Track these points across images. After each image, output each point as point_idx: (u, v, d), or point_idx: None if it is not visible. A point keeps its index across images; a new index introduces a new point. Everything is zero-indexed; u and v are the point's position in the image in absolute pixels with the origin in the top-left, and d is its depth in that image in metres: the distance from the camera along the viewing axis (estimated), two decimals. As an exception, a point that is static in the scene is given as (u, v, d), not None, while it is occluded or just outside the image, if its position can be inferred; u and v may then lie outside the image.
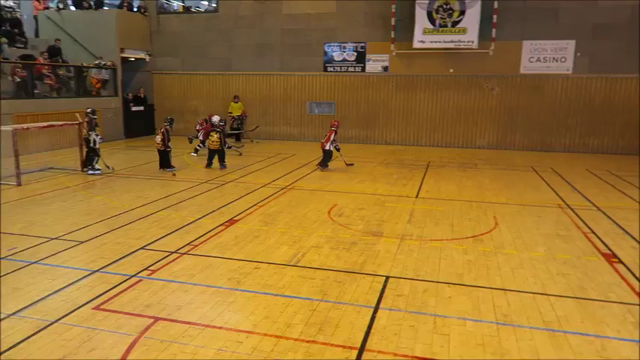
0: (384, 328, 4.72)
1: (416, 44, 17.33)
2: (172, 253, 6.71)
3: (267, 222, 8.25)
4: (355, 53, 18.60)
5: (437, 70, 17.83)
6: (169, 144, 12.57)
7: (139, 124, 20.07)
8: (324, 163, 13.05)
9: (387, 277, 5.94)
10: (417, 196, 10.29)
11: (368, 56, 18.49)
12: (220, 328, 4.71)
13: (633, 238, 7.56)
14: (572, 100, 16.84)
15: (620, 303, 5.31)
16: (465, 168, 13.75)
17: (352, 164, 13.55)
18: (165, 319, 4.86)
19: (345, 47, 18.70)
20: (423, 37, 17.27)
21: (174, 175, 12.08)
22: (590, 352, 4.36)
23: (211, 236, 7.46)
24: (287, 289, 5.58)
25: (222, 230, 7.76)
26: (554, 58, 16.74)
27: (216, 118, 13.52)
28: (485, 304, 5.26)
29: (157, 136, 12.61)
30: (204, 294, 5.45)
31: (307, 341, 4.47)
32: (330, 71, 18.94)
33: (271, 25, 19.14)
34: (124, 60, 19.50)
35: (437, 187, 11.17)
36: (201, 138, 15.31)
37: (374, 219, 8.49)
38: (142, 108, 20.22)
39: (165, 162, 12.61)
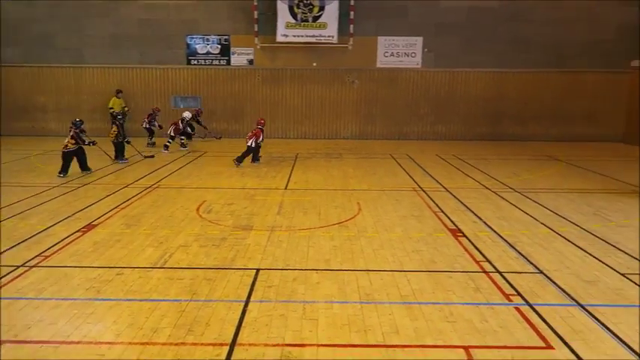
0: (255, 320, 4.77)
1: (279, 38, 17.55)
2: (19, 267, 6.01)
3: (130, 224, 7.78)
4: (219, 46, 18.25)
5: (301, 63, 18.26)
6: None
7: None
8: (241, 159, 12.85)
9: (258, 270, 5.99)
10: (286, 188, 10.49)
11: (232, 49, 18.25)
12: (78, 342, 4.36)
13: (474, 213, 8.56)
14: (422, 92, 18.44)
15: (463, 272, 6.00)
16: (331, 158, 14.34)
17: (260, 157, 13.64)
18: (11, 342, 4.36)
19: (208, 40, 18.23)
20: (286, 31, 17.55)
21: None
22: (440, 318, 4.87)
23: (66, 244, 6.83)
24: (153, 293, 5.34)
25: (78, 237, 7.15)
26: (405, 53, 18.15)
27: (186, 114, 15.07)
28: (350, 285, 5.58)
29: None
30: (58, 308, 4.98)
31: (176, 344, 4.35)
32: (194, 64, 18.34)
33: (127, 15, 17.90)
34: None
35: (305, 178, 11.50)
36: (172, 134, 15.06)
37: (244, 213, 8.48)
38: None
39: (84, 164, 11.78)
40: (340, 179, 11.43)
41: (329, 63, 18.18)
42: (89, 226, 7.63)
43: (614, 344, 4.42)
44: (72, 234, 7.26)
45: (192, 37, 18.16)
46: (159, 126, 16.27)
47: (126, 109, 17.58)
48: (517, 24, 17.76)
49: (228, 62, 18.33)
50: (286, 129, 18.85)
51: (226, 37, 18.16)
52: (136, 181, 10.89)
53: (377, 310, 5.00)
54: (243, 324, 4.70)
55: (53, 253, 6.49)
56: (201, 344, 4.36)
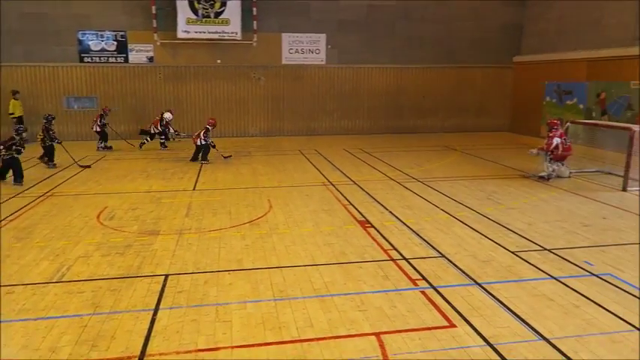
0: (165, 328, 4.59)
1: (180, 34, 16.94)
2: None
3: (20, 237, 7.12)
4: (115, 42, 17.21)
5: (204, 60, 17.78)
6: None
7: None
8: (195, 157, 13.19)
9: (167, 276, 5.77)
10: (194, 189, 10.19)
11: (130, 46, 17.31)
12: (-38, 373, 3.93)
13: (380, 204, 8.91)
14: (328, 88, 18.79)
15: (372, 261, 6.22)
16: (240, 156, 14.15)
17: (230, 156, 13.67)
18: None
19: (102, 36, 17.12)
20: (187, 27, 16.98)
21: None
22: (352, 307, 5.01)
23: (-58, 265, 6.10)
24: (50, 310, 4.94)
25: (-43, 256, 6.41)
26: (310, 50, 18.36)
27: (167, 115, 15.03)
28: (263, 283, 5.56)
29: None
30: (-64, 337, 4.44)
31: (78, 362, 4.06)
32: (88, 62, 17.15)
33: (7, 8, 16.24)
34: None
35: (213, 178, 11.25)
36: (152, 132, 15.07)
37: (149, 217, 8.11)
38: None
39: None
40: (250, 177, 11.33)
41: (234, 60, 17.89)
42: (-29, 243, 6.87)
43: (508, 317, 4.82)
44: (-50, 253, 6.50)
45: (85, 33, 16.96)
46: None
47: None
48: (411, 22, 18.70)
49: (126, 59, 17.37)
50: (192, 128, 18.16)
51: (123, 33, 17.18)
52: (26, 190, 9.98)
53: (291, 306, 5.03)
54: (152, 333, 4.50)
55: None
56: (107, 359, 4.11)
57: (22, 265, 6.09)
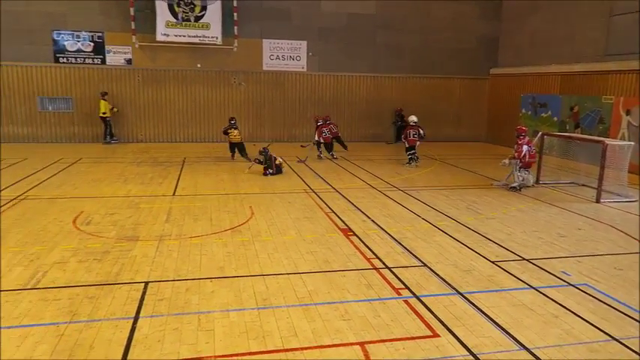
0: (145, 337, 4.48)
1: (159, 37, 16.77)
2: None
3: (-8, 242, 6.88)
4: (92, 43, 16.91)
5: (184, 64, 17.62)
6: None
7: None
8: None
9: (147, 283, 5.64)
10: (174, 194, 10.04)
11: (107, 47, 17.04)
12: None
13: (363, 212, 8.93)
14: (309, 95, 18.85)
15: (355, 270, 6.22)
16: (220, 162, 14.02)
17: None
18: None
19: (79, 36, 16.80)
20: (167, 30, 16.82)
21: None
22: (336, 317, 4.99)
23: None
24: (25, 318, 4.77)
25: None
26: (290, 57, 18.39)
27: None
28: (246, 292, 5.49)
29: None
30: None
31: (55, 372, 3.93)
32: (64, 62, 16.79)
33: (-23, 4, 15.83)
34: None
35: (194, 183, 11.11)
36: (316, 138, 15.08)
37: (128, 223, 7.94)
38: None
39: None
40: (231, 183, 11.22)
41: (214, 64, 17.78)
42: (-61, 247, 6.61)
43: (489, 327, 4.87)
44: None
45: (60, 33, 16.63)
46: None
47: (115, 110, 16.78)
48: (391, 32, 18.94)
49: (103, 61, 17.09)
50: (172, 132, 18.08)
51: (100, 34, 16.92)
52: (-3, 192, 9.68)
53: (274, 315, 4.98)
54: (132, 342, 4.39)
55: None
56: (86, 370, 3.99)
57: (-5, 271, 5.88)
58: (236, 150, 14.32)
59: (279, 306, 5.17)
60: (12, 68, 16.44)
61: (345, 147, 16.05)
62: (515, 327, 4.85)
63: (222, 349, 4.34)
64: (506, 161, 11.15)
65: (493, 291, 5.72)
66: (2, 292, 5.32)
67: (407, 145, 14.04)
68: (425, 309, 5.19)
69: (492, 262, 6.61)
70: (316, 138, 15.11)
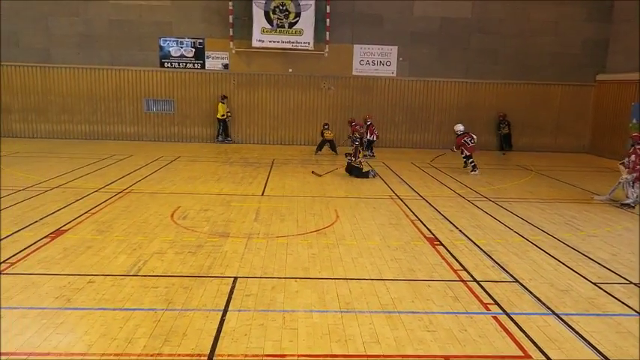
0: (233, 330, 4.66)
1: (255, 43, 17.46)
2: (-18, 274, 5.73)
3: (101, 230, 7.54)
4: (193, 49, 18.01)
5: (277, 69, 18.19)
6: None
7: None
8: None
9: (236, 278, 5.87)
10: (262, 194, 10.38)
11: (207, 53, 18.05)
12: (47, 354, 4.17)
13: (450, 222, 8.65)
14: (397, 101, 18.63)
15: (441, 281, 6.03)
16: (307, 164, 14.28)
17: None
18: (-26, 354, 4.13)
19: (182, 43, 17.97)
20: (262, 36, 17.47)
21: None
22: (420, 327, 4.86)
23: (33, 251, 6.56)
24: (127, 302, 5.16)
25: (46, 243, 6.88)
26: (380, 62, 18.31)
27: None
28: (329, 294, 5.52)
29: None
30: (25, 318, 4.76)
31: (152, 355, 4.20)
32: (168, 67, 18.05)
33: (96, 15, 17.46)
34: None
35: (282, 185, 11.41)
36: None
37: (220, 219, 8.33)
38: None
39: None
40: (317, 186, 11.39)
41: (305, 69, 18.17)
42: (58, 232, 7.35)
43: (589, 353, 4.49)
44: (39, 240, 6.98)
45: (166, 40, 17.87)
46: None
47: (229, 114, 17.96)
48: (487, 36, 18.19)
49: (203, 66, 18.11)
50: (263, 134, 18.72)
51: (201, 40, 17.95)
52: (107, 185, 10.59)
53: (357, 320, 4.96)
54: (221, 334, 4.58)
55: (19, 260, 6.21)
56: (178, 355, 4.22)
57: (103, 257, 6.43)
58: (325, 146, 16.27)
59: (362, 311, 5.14)
60: (124, 72, 17.95)
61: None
62: (621, 357, 4.43)
63: (305, 349, 4.39)
64: (628, 177, 10.12)
65: (594, 315, 5.27)
66: (109, 277, 5.80)
67: (467, 154, 13.60)
68: (516, 327, 4.90)
69: (594, 284, 6.09)
70: (369, 137, 15.98)
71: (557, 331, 4.88)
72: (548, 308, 5.37)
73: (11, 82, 17.76)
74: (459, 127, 14.10)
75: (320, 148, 16.33)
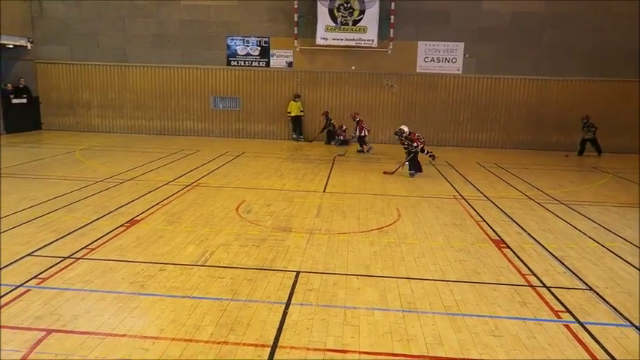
0: (295, 323, 4.74)
1: (319, 41, 17.59)
2: (65, 258, 6.18)
3: (171, 221, 7.90)
4: (259, 48, 18.42)
5: (339, 66, 18.23)
6: None
7: (22, 117, 18.20)
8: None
9: (298, 272, 5.96)
10: (324, 191, 10.46)
11: (272, 51, 18.40)
12: (123, 335, 4.43)
13: (518, 224, 8.32)
14: (462, 98, 18.13)
15: (508, 285, 5.81)
16: (368, 162, 14.23)
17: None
18: (59, 331, 4.46)
19: (248, 41, 18.43)
20: (326, 34, 17.57)
21: None
22: (485, 331, 4.72)
23: (110, 238, 6.99)
24: (195, 290, 5.38)
25: (122, 231, 7.30)
26: (446, 59, 17.88)
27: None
28: (391, 293, 5.48)
29: None
30: (104, 300, 5.08)
31: (218, 342, 4.35)
32: (234, 65, 18.58)
33: (169, 16, 18.30)
34: (1, 47, 17.58)
35: (343, 182, 11.44)
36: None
37: (282, 214, 8.49)
38: (24, 100, 18.34)
39: None
40: (378, 184, 11.32)
41: (368, 67, 18.09)
42: (132, 222, 7.78)
43: (673, 369, 4.18)
44: (115, 228, 7.42)
45: (233, 39, 18.40)
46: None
47: (302, 112, 18.41)
48: (561, 30, 17.28)
49: (268, 64, 18.49)
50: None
51: (266, 39, 18.31)
52: (176, 178, 11.07)
53: (419, 320, 4.89)
54: (284, 326, 4.67)
55: (98, 247, 6.64)
56: (243, 344, 4.35)
57: (173, 247, 6.74)
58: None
59: (425, 311, 5.06)
60: (193, 71, 18.68)
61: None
62: None
63: (367, 346, 4.39)
64: None
65: (679, 329, 4.89)
66: (178, 266, 6.07)
67: (428, 151, 13.63)
68: (590, 338, 4.64)
69: (679, 296, 5.65)
70: (359, 133, 16.03)
71: (636, 343, 4.58)
72: (627, 319, 5.04)
73: (91, 81, 19.01)
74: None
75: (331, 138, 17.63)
